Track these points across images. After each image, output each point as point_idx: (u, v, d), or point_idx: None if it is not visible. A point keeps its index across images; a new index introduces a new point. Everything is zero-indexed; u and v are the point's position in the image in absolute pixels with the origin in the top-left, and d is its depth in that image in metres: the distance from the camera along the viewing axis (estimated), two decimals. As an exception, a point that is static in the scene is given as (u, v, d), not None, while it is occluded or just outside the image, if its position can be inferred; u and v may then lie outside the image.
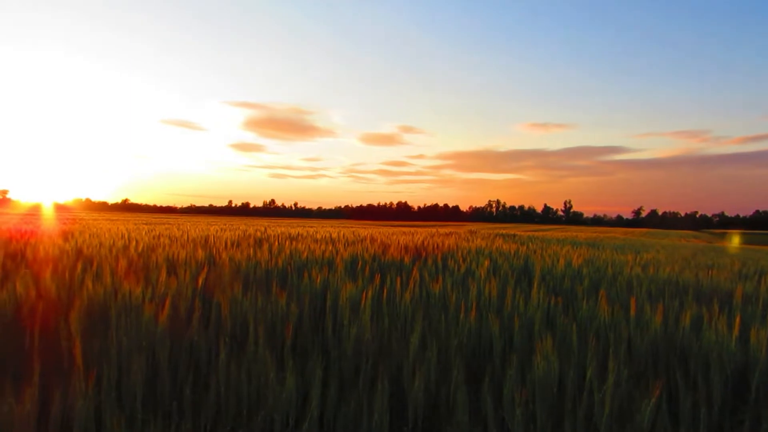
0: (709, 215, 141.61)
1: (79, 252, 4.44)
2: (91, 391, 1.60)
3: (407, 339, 2.48)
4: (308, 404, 1.79)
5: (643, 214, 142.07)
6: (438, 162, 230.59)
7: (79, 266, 3.04)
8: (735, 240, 30.62)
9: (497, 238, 11.00)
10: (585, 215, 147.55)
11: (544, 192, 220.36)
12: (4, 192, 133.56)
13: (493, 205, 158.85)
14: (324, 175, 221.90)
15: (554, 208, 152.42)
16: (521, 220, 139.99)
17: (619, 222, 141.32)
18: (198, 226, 13.00)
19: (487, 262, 4.79)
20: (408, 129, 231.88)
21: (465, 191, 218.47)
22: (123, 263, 3.58)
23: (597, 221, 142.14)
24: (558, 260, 5.48)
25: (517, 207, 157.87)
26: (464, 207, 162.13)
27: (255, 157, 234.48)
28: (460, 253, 5.71)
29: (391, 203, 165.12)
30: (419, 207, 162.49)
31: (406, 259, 4.99)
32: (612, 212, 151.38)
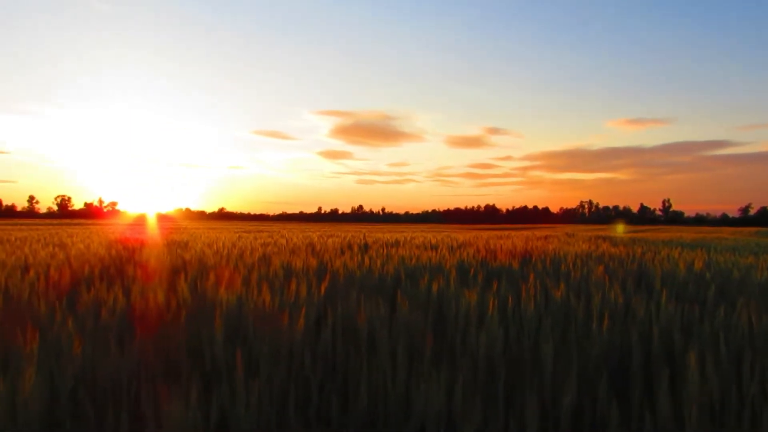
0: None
1: (200, 261, 4.66)
2: (253, 398, 1.67)
3: (539, 349, 2.42)
4: (454, 415, 1.77)
5: (752, 212, 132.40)
6: (526, 163, 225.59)
7: (212, 275, 3.19)
8: None
9: (599, 240, 10.60)
10: (686, 214, 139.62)
11: (641, 191, 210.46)
12: (114, 204, 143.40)
13: (585, 205, 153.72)
14: (410, 180, 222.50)
15: (652, 208, 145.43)
16: (616, 221, 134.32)
17: (724, 221, 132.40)
18: (295, 233, 13.38)
19: (601, 267, 4.61)
20: (494, 131, 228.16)
21: (555, 192, 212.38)
22: (245, 272, 3.72)
23: (699, 220, 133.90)
24: (677, 264, 5.18)
25: (611, 207, 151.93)
26: (554, 208, 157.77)
27: (343, 163, 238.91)
28: (570, 258, 5.53)
29: (479, 206, 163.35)
30: (507, 209, 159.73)
31: (515, 264, 4.89)
32: (716, 211, 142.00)
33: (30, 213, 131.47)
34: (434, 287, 3.39)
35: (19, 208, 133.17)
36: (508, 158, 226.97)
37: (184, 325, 2.46)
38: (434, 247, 7.02)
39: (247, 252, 5.41)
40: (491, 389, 2.11)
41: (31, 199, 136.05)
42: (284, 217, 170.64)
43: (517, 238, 11.03)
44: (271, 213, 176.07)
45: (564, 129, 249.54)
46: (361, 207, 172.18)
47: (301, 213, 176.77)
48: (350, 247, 6.86)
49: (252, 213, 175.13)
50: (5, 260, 4.80)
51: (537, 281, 3.51)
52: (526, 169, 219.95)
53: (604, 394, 1.92)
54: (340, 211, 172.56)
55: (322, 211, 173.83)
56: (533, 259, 5.34)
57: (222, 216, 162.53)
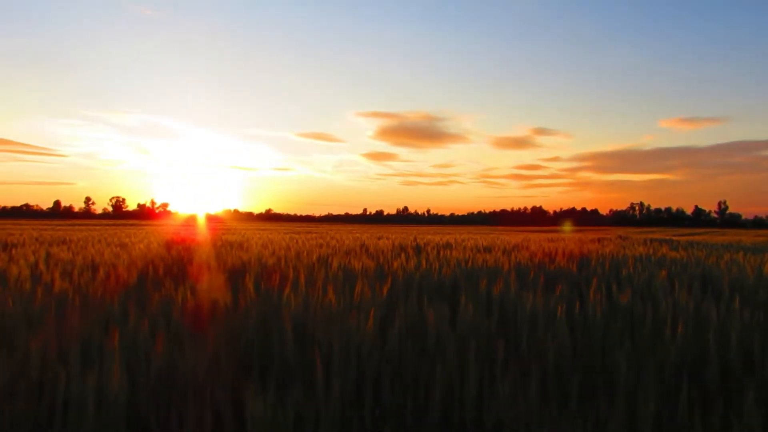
0: None
1: (259, 261, 4.75)
2: (333, 399, 1.69)
3: (609, 353, 2.37)
4: (529, 420, 1.76)
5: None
6: (574, 164, 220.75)
7: (276, 277, 3.25)
8: None
9: (656, 244, 10.31)
10: (744, 217, 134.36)
11: (694, 192, 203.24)
12: (165, 205, 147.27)
13: (636, 207, 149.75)
14: (455, 181, 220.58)
15: (707, 210, 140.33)
16: (668, 224, 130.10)
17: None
18: (344, 235, 13.49)
19: (664, 272, 4.49)
20: (541, 131, 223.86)
21: (604, 194, 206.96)
22: (306, 273, 3.77)
23: (758, 223, 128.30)
24: (744, 268, 5.00)
25: (663, 209, 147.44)
26: (604, 210, 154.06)
27: (388, 165, 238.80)
28: (631, 262, 5.41)
29: (525, 208, 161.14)
30: (555, 211, 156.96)
31: (573, 268, 4.81)
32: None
33: (86, 214, 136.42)
34: (495, 290, 3.37)
35: (76, 209, 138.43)
36: (555, 159, 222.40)
37: (254, 325, 2.52)
38: (487, 250, 6.97)
39: (303, 253, 5.49)
40: (564, 395, 2.08)
41: (87, 200, 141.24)
42: (330, 218, 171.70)
43: (569, 241, 10.85)
44: (317, 214, 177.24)
45: (614, 129, 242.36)
46: (406, 208, 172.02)
47: (346, 214, 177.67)
48: (403, 249, 6.87)
49: (298, 214, 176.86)
50: (74, 260, 5.00)
51: (602, 285, 3.43)
52: (574, 170, 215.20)
53: (685, 402, 1.87)
54: (385, 213, 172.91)
55: (368, 213, 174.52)
56: (592, 263, 5.23)
57: (269, 217, 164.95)
